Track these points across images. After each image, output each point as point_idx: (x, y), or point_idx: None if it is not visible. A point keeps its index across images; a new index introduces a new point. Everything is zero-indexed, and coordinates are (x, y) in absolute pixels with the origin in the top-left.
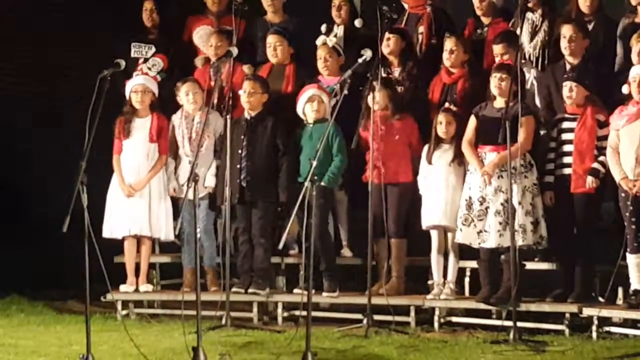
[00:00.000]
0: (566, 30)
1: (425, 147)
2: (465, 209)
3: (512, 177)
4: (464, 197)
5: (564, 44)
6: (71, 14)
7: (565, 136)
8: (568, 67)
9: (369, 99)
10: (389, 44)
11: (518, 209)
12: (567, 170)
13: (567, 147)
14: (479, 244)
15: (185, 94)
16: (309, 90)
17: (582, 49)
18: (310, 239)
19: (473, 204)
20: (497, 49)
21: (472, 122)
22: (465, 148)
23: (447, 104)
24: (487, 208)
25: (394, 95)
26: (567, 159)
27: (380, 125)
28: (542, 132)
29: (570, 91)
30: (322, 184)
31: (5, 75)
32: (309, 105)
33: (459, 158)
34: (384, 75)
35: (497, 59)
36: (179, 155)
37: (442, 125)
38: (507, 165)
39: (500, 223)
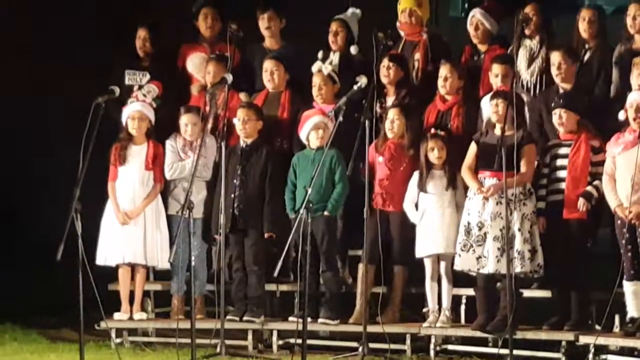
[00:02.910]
0: (554, 58)
1: (416, 174)
2: (464, 235)
3: (510, 204)
4: (463, 222)
5: (554, 71)
6: (69, 39)
7: (558, 162)
8: (561, 91)
9: (385, 125)
10: (389, 74)
11: (517, 235)
12: (560, 197)
13: (560, 173)
14: (478, 269)
15: (185, 125)
16: (315, 117)
17: (573, 73)
18: (306, 267)
19: (472, 230)
20: (499, 68)
21: (473, 148)
22: (465, 173)
23: (433, 130)
24: (485, 233)
25: (411, 125)
26: (560, 185)
27: (392, 153)
28: None
29: (559, 118)
30: (326, 213)
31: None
32: (314, 133)
33: (452, 183)
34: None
35: (496, 80)
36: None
37: (434, 151)
38: (507, 192)
39: (498, 249)
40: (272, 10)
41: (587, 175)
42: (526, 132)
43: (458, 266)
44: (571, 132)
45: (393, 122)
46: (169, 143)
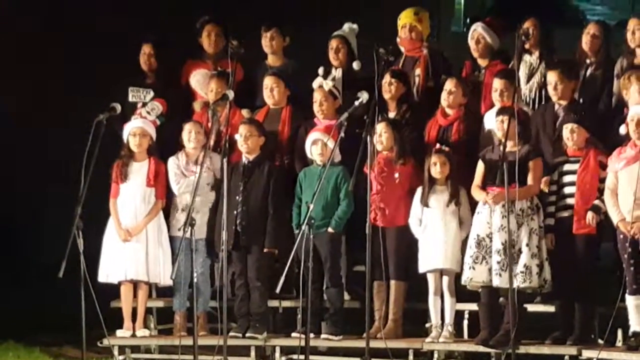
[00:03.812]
0: (551, 77)
1: (419, 190)
2: (475, 248)
3: (518, 219)
4: (472, 236)
5: (550, 91)
6: (70, 55)
7: (566, 178)
8: (557, 107)
9: (374, 139)
10: (390, 89)
11: (525, 250)
12: (568, 213)
13: (568, 190)
14: (491, 281)
15: (188, 132)
16: (312, 134)
17: (570, 90)
18: (308, 283)
19: (482, 242)
20: (499, 83)
21: (480, 167)
22: (475, 191)
23: (438, 145)
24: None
25: (399, 138)
26: (568, 201)
27: (383, 167)
28: None
29: (571, 132)
30: (330, 229)
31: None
32: (314, 148)
33: (455, 199)
34: (389, 117)
35: (496, 94)
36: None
37: (436, 166)
38: (515, 207)
39: (498, 262)
40: (275, 29)
41: (597, 191)
42: (532, 146)
43: (472, 280)
44: (579, 149)
45: (381, 136)
46: (172, 161)
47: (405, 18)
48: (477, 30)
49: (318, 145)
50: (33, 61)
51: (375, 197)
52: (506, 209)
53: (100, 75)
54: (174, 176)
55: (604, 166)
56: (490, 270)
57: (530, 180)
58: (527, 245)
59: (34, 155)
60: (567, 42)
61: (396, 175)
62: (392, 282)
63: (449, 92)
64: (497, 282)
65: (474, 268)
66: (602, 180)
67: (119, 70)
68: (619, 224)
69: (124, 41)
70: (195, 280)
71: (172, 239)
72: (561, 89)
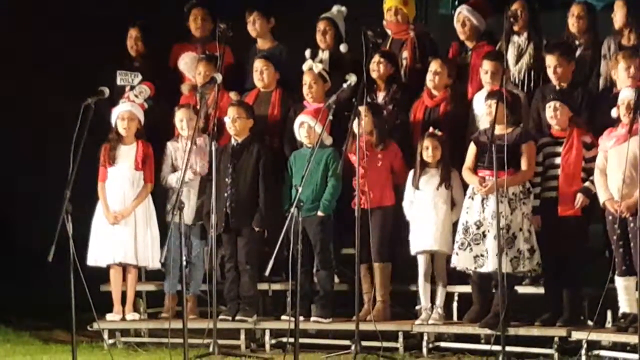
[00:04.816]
0: (550, 61)
1: (411, 173)
2: (462, 233)
3: (512, 203)
4: (461, 221)
5: (550, 73)
6: (56, 42)
7: (551, 160)
8: (557, 88)
9: (354, 124)
10: (379, 68)
11: (519, 235)
12: (553, 194)
13: (553, 171)
14: (475, 268)
15: (180, 121)
16: (300, 117)
17: (570, 72)
18: (297, 266)
19: (469, 228)
20: (490, 65)
21: (472, 148)
22: (466, 174)
23: (431, 129)
24: (484, 232)
25: (379, 122)
26: (553, 183)
27: (365, 151)
28: None
29: (554, 110)
30: (320, 213)
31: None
32: (301, 131)
33: (446, 182)
34: (368, 100)
35: (486, 76)
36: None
37: (428, 150)
38: (504, 190)
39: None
40: (257, 12)
41: (581, 172)
42: (524, 129)
43: (455, 264)
44: (562, 129)
45: (361, 119)
46: (169, 146)
47: (390, 1)
48: (463, 12)
49: (304, 128)
50: (19, 48)
51: (359, 180)
52: (505, 195)
53: (100, 75)
54: (164, 167)
55: (588, 146)
56: (475, 257)
57: (524, 165)
58: (521, 229)
59: (28, 145)
60: (556, 24)
61: (379, 156)
62: (376, 265)
63: (435, 72)
64: (495, 267)
65: (457, 253)
66: (587, 160)
67: (107, 55)
68: (606, 203)
69: (112, 25)
70: (187, 261)
71: (169, 224)
72: (561, 72)
